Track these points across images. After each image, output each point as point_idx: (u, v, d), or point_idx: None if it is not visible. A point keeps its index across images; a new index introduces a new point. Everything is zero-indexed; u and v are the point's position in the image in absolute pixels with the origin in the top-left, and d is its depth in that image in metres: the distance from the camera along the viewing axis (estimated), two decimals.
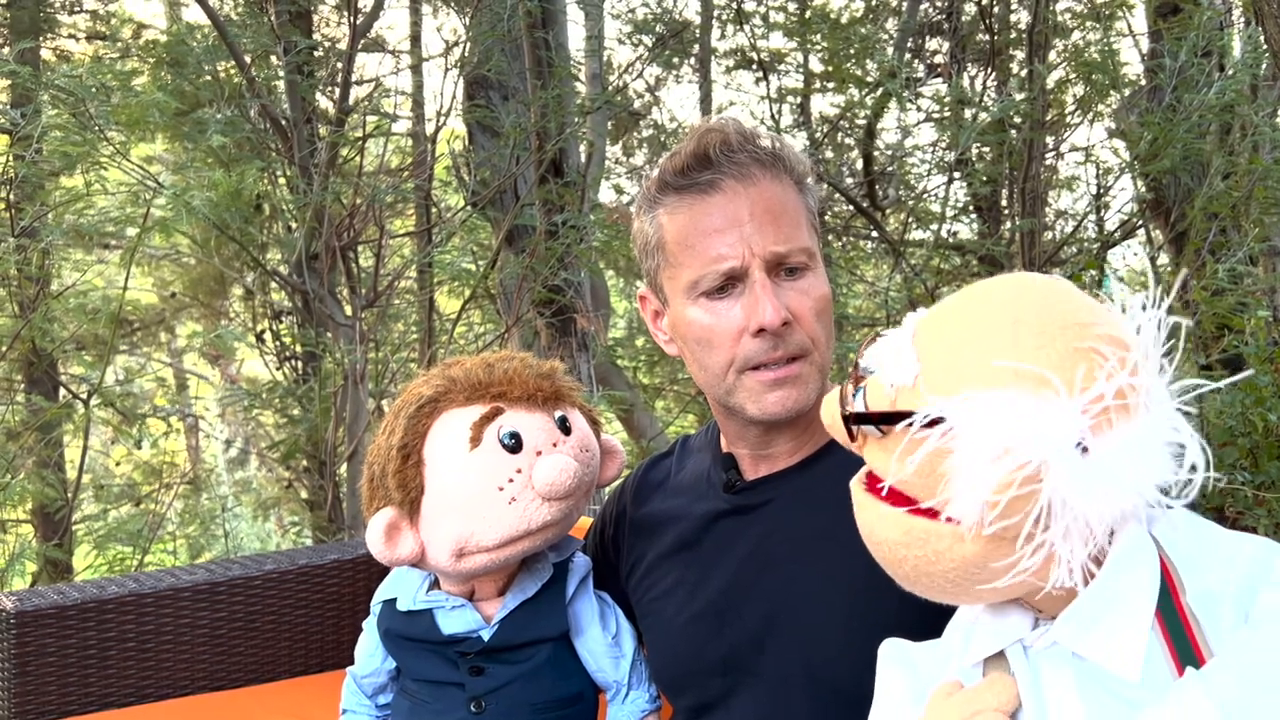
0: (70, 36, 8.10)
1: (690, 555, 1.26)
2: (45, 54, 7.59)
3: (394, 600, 1.27)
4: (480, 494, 1.13)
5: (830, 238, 5.80)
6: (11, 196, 3.38)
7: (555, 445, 1.16)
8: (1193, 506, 0.74)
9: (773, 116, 5.19)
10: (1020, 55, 5.84)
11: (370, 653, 1.32)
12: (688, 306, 1.16)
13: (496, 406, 1.16)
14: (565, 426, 1.19)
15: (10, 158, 3.29)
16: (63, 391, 4.90)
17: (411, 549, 1.17)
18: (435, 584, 1.27)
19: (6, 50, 6.72)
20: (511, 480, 1.13)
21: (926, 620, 1.04)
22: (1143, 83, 4.40)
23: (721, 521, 1.23)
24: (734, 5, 5.25)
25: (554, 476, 1.13)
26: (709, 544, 1.24)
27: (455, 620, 1.23)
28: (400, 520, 1.17)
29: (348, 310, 3.76)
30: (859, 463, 1.13)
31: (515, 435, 1.14)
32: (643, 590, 1.32)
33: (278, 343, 5.33)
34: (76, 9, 8.11)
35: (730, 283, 1.12)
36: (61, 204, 3.60)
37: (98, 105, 3.28)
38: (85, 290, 4.03)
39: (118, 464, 6.79)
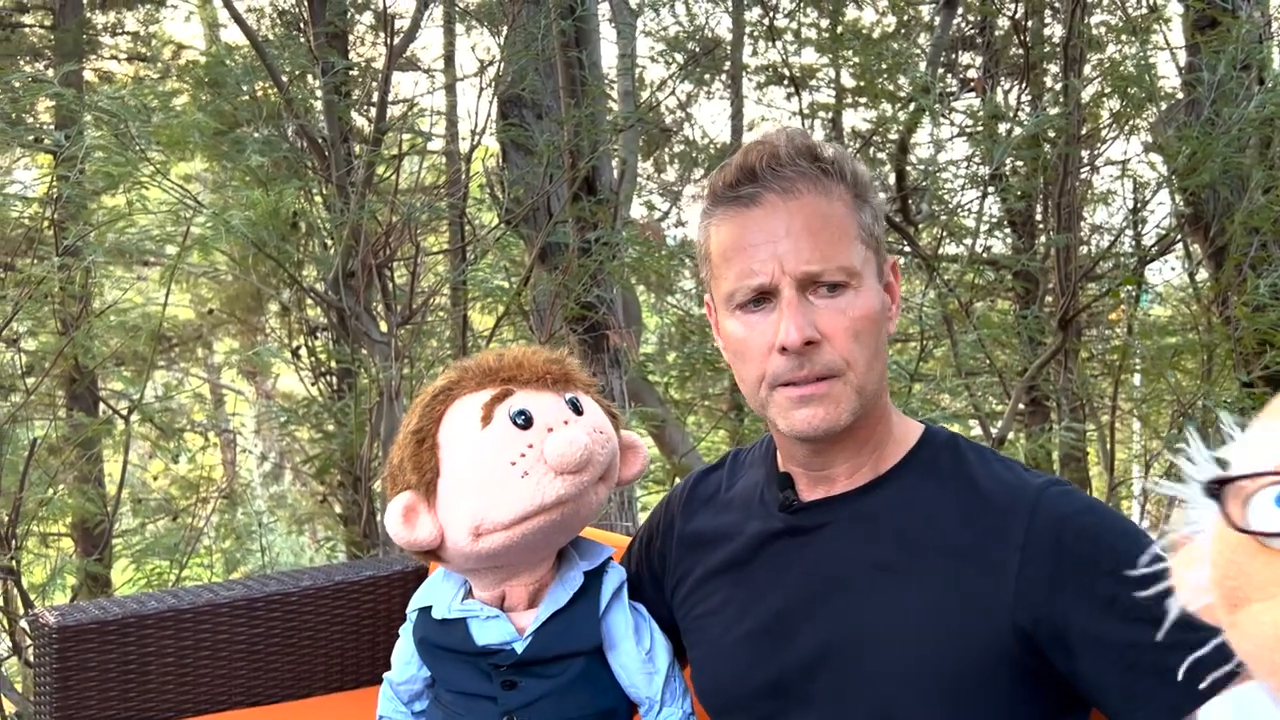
0: (112, 58, 8.26)
1: (741, 574, 1.24)
2: (88, 75, 7.74)
3: (429, 608, 1.27)
4: (493, 470, 1.14)
5: None
6: (56, 216, 3.44)
7: (566, 423, 1.17)
8: None
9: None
10: (1055, 69, 5.81)
11: (406, 660, 1.33)
12: (726, 318, 1.17)
13: (507, 388, 1.18)
14: (576, 407, 1.20)
15: (55, 178, 3.35)
16: (103, 407, 4.97)
17: (430, 531, 1.18)
18: (469, 593, 1.27)
19: (51, 72, 6.85)
20: (524, 455, 1.14)
21: (978, 660, 1.05)
22: (1180, 96, 4.35)
23: (775, 542, 1.22)
24: (765, 22, 5.26)
25: (565, 448, 1.13)
26: (761, 564, 1.22)
27: (489, 631, 1.22)
28: (417, 503, 1.19)
29: (383, 327, 3.79)
30: (923, 494, 1.14)
31: (525, 413, 1.15)
32: (689, 606, 1.30)
33: (313, 359, 5.38)
34: (119, 31, 8.27)
35: (764, 297, 1.12)
36: (104, 223, 3.67)
37: (139, 126, 3.34)
38: (126, 308, 4.09)
39: (155, 478, 6.87)
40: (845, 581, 1.14)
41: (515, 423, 1.15)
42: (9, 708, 3.13)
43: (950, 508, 1.11)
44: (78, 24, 6.99)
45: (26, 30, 7.84)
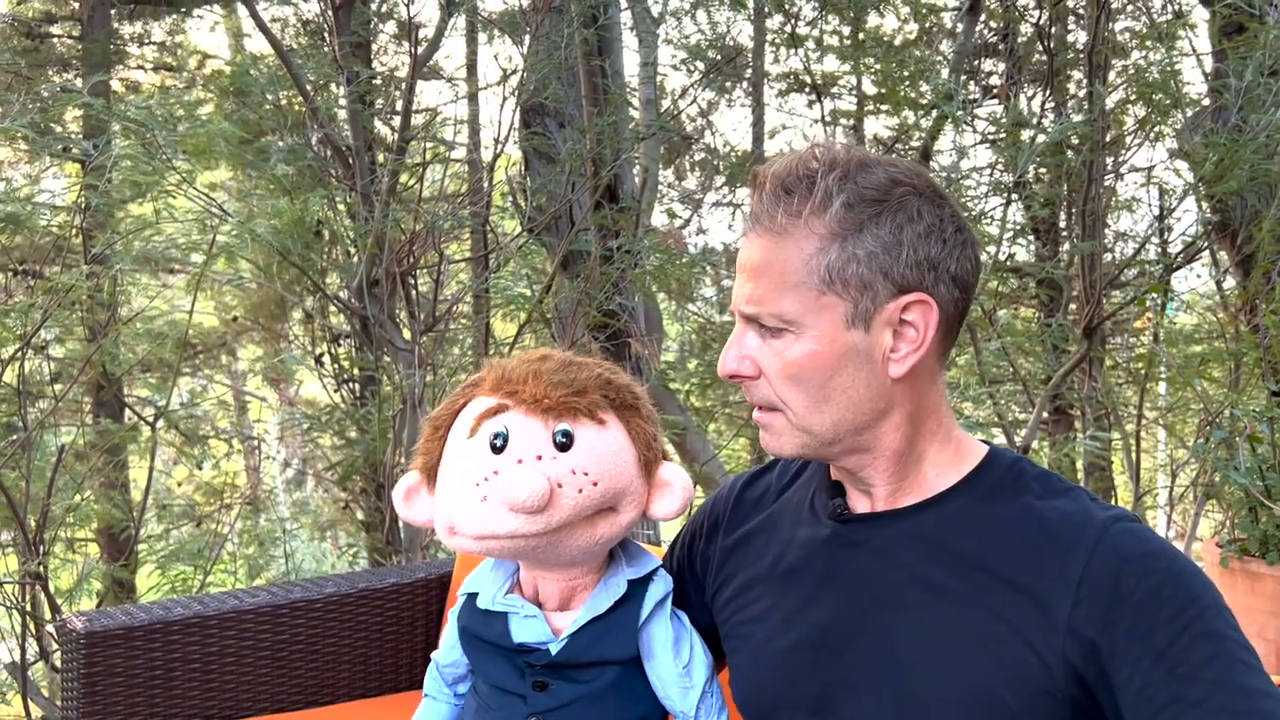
0: (139, 67, 8.35)
1: (787, 582, 1.23)
2: (115, 84, 7.83)
3: (476, 595, 1.28)
4: (462, 485, 1.15)
5: None
6: (84, 224, 3.48)
7: (539, 459, 1.13)
8: None
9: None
10: (1079, 76, 5.78)
11: (451, 644, 1.32)
12: None
13: (503, 404, 1.17)
14: (562, 442, 1.15)
15: (83, 187, 3.39)
16: (129, 414, 5.01)
17: (425, 513, 1.22)
18: (515, 587, 1.27)
19: (80, 82, 6.94)
20: (486, 479, 1.13)
21: (1025, 693, 1.03)
22: (1206, 103, 4.32)
23: (824, 551, 1.20)
24: (786, 29, 5.26)
25: (512, 489, 1.10)
26: (809, 573, 1.21)
27: (527, 629, 1.22)
28: (420, 484, 1.22)
29: (406, 334, 3.81)
30: (980, 518, 1.12)
31: (503, 436, 1.14)
32: (731, 611, 1.29)
33: (336, 366, 5.42)
34: (145, 41, 8.36)
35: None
36: (131, 231, 3.70)
37: (165, 135, 3.38)
38: (152, 315, 4.12)
39: (179, 484, 6.92)
40: (894, 600, 1.12)
41: (493, 444, 1.14)
42: (35, 712, 3.15)
43: (1007, 535, 1.09)
44: (105, 34, 7.08)
45: (55, 41, 7.94)
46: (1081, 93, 4.72)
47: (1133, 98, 4.47)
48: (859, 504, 1.20)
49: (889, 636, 1.12)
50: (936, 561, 1.12)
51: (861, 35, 5.69)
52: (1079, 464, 5.30)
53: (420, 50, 4.02)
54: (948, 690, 1.07)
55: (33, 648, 3.18)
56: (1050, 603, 1.03)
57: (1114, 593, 1.01)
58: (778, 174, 1.11)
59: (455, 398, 1.24)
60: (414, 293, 3.87)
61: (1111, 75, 4.62)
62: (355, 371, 5.28)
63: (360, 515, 5.60)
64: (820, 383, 1.10)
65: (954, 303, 1.12)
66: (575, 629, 1.21)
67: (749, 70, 6.04)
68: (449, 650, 1.33)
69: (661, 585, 1.26)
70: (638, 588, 1.24)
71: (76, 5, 7.70)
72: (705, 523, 1.39)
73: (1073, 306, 4.91)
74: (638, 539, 1.38)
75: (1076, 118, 4.15)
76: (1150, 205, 4.67)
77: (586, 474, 1.15)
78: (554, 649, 1.20)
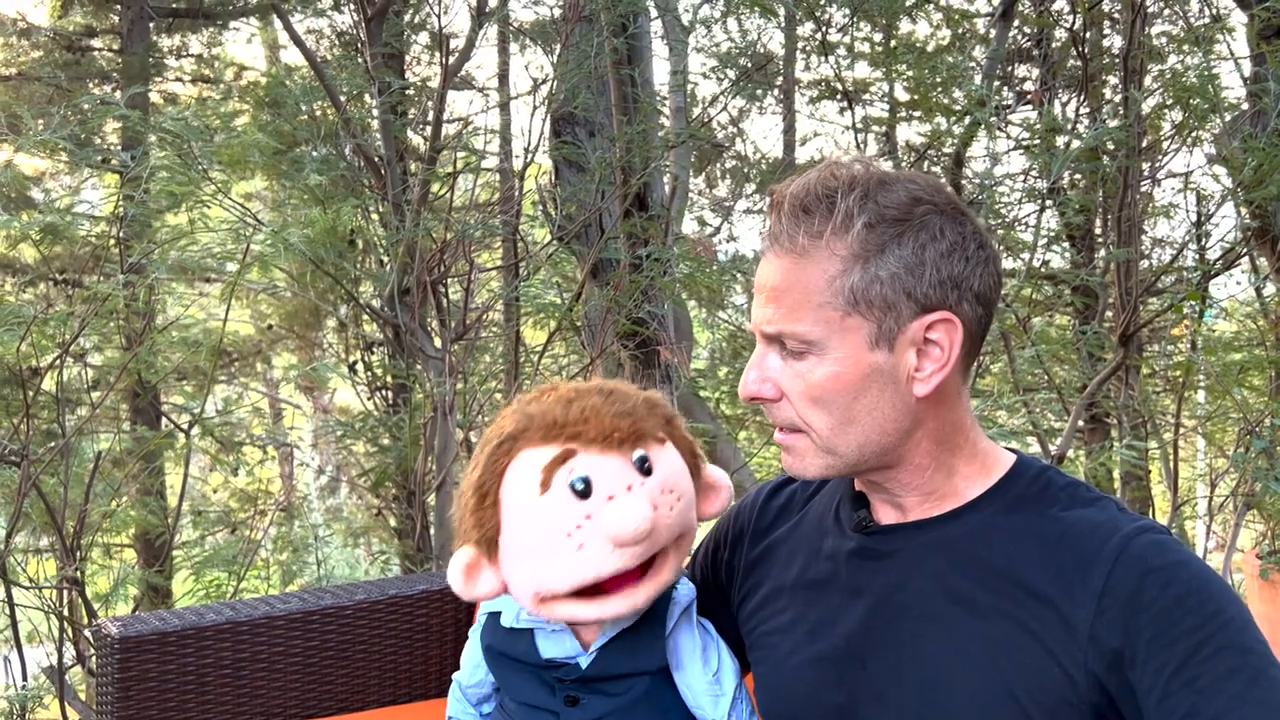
0: (177, 80, 8.49)
1: (812, 594, 1.23)
2: (154, 96, 7.96)
3: (499, 614, 1.26)
4: (548, 541, 1.10)
5: None
6: (121, 234, 3.54)
7: (630, 489, 1.11)
8: None
9: (858, 146, 5.16)
10: (1114, 81, 5.71)
11: (476, 663, 1.31)
12: None
13: (569, 449, 1.12)
14: (645, 467, 1.14)
15: (121, 197, 3.44)
16: (165, 421, 5.08)
17: (492, 586, 1.16)
18: None
19: (118, 94, 7.06)
20: (580, 527, 1.09)
21: (1050, 703, 1.03)
22: (1244, 107, 4.25)
23: (849, 563, 1.20)
24: (818, 37, 5.25)
25: (622, 524, 1.08)
26: (834, 585, 1.20)
27: (554, 645, 1.21)
28: (479, 559, 1.16)
29: (437, 342, 3.83)
30: (1005, 529, 1.11)
31: (586, 480, 1.10)
32: (756, 621, 1.29)
33: (369, 374, 5.46)
34: (183, 54, 8.49)
35: None
36: (167, 241, 3.76)
37: (201, 146, 3.42)
38: (188, 324, 4.18)
39: (215, 491, 7.01)
40: (918, 611, 1.12)
41: (574, 489, 1.10)
42: (73, 716, 3.20)
43: (1032, 545, 1.08)
44: (144, 48, 7.20)
45: (96, 54, 8.08)
46: (1117, 98, 4.66)
47: (1169, 102, 4.42)
48: (885, 515, 1.20)
49: (913, 648, 1.11)
50: (961, 572, 1.11)
51: (894, 42, 5.67)
52: (1115, 473, 5.23)
53: (451, 61, 4.05)
54: (970, 701, 1.06)
55: (70, 653, 3.22)
56: (1073, 613, 1.03)
57: (1137, 602, 1.01)
58: (796, 194, 1.11)
59: (494, 459, 1.17)
60: (445, 301, 3.90)
61: (1148, 80, 4.57)
62: (388, 379, 5.32)
63: (393, 522, 5.63)
64: (845, 404, 1.10)
65: (977, 320, 1.11)
66: (604, 641, 1.20)
67: (780, 78, 6.03)
68: (473, 670, 1.32)
69: (686, 593, 1.26)
70: (663, 596, 1.23)
71: (116, 19, 7.84)
72: (729, 533, 1.39)
73: (1109, 314, 4.85)
74: None
75: (1112, 123, 4.10)
76: (1188, 211, 4.61)
77: (672, 491, 1.15)
78: (583, 663, 1.20)
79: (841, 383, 1.09)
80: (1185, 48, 4.68)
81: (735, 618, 1.33)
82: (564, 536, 1.10)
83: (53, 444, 3.30)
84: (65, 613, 3.20)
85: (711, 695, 1.23)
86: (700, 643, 1.24)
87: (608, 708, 1.19)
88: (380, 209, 4.05)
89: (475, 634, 1.32)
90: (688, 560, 1.45)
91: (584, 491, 1.10)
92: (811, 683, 1.18)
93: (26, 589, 3.20)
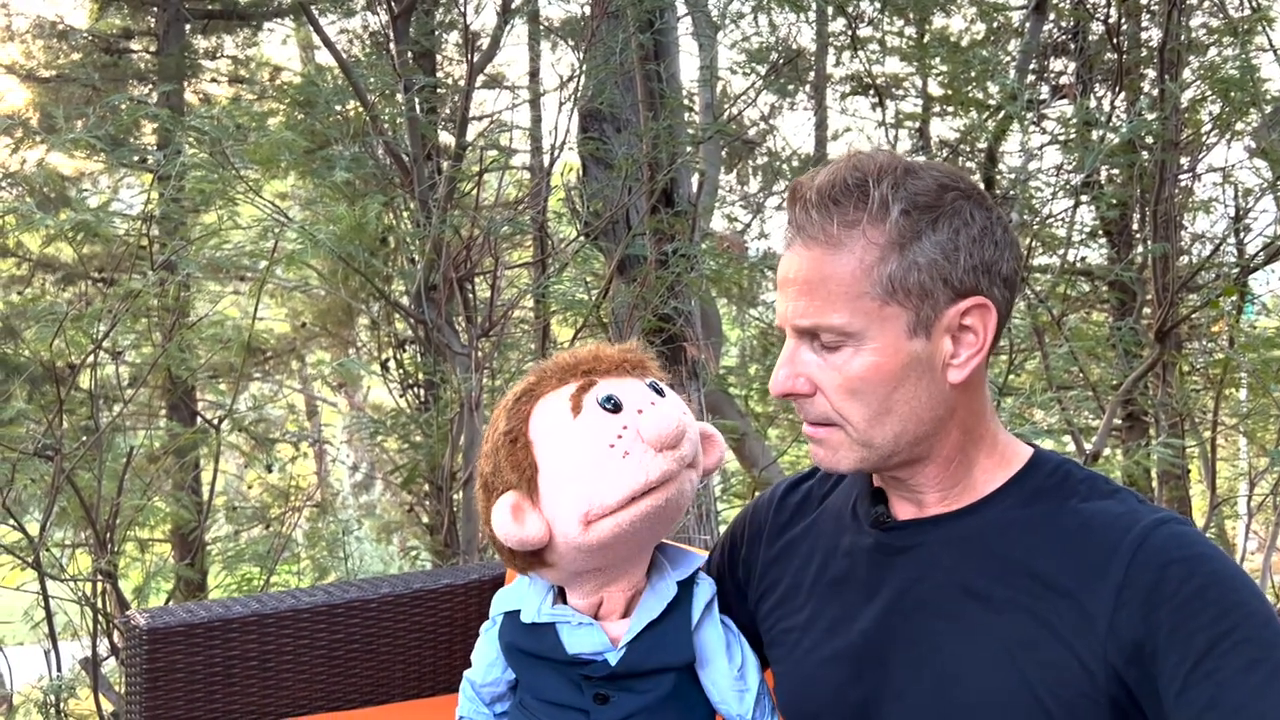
0: (213, 80, 8.59)
1: (830, 591, 1.22)
2: (190, 97, 8.07)
3: (517, 612, 1.25)
4: (593, 455, 1.12)
5: None
6: (154, 232, 3.58)
7: (654, 404, 1.16)
8: None
9: (890, 142, 5.12)
10: (1151, 74, 5.63)
11: (490, 662, 1.30)
12: None
13: (589, 379, 1.18)
14: (659, 390, 1.19)
15: (155, 195, 3.49)
16: (199, 418, 5.14)
17: (539, 527, 1.15)
18: (560, 597, 1.25)
19: (154, 95, 7.16)
20: (620, 436, 1.12)
21: (1070, 697, 1.01)
22: None
23: (867, 560, 1.19)
24: (849, 31, 5.21)
25: (661, 424, 1.13)
26: (852, 582, 1.20)
27: (581, 639, 1.20)
28: (522, 500, 1.16)
29: (464, 339, 3.84)
30: (1022, 522, 1.10)
31: (613, 398, 1.15)
32: (775, 619, 1.28)
33: (400, 371, 5.50)
34: (218, 54, 8.59)
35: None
36: (198, 238, 3.80)
37: (232, 145, 3.46)
38: (219, 320, 4.23)
39: (250, 487, 7.08)
40: (935, 607, 1.11)
41: (605, 408, 1.14)
42: (107, 707, 3.24)
43: (1049, 538, 1.08)
44: (180, 49, 7.29)
45: (133, 56, 8.20)
46: (1155, 91, 4.59)
47: (1208, 95, 4.34)
48: (903, 510, 1.19)
49: (932, 643, 1.11)
50: (978, 567, 1.10)
51: (926, 36, 5.62)
52: (1153, 472, 5.15)
53: (476, 58, 4.06)
54: (988, 696, 1.05)
55: (104, 645, 3.27)
56: (1092, 605, 1.02)
57: (1157, 595, 0.99)
58: (824, 185, 1.09)
59: (516, 409, 1.20)
60: (471, 298, 3.91)
61: (1186, 73, 4.49)
62: (419, 376, 5.35)
63: (424, 518, 5.67)
64: (883, 395, 1.09)
65: (1006, 304, 1.12)
66: (632, 636, 1.19)
67: (811, 73, 5.99)
68: (487, 669, 1.31)
69: (706, 587, 1.25)
70: (685, 589, 1.23)
71: (153, 21, 7.95)
72: (747, 529, 1.38)
73: (1146, 310, 4.78)
74: (695, 542, 1.37)
75: (1149, 116, 4.04)
76: (1227, 206, 4.54)
77: (685, 413, 1.20)
78: (613, 659, 1.19)
79: (881, 373, 1.08)
80: (1224, 40, 4.60)
81: (754, 615, 1.33)
82: (607, 448, 1.12)
83: (85, 439, 3.35)
84: (99, 605, 3.25)
85: (736, 691, 1.23)
86: (725, 639, 1.24)
87: (637, 705, 1.18)
88: (410, 207, 4.08)
89: (488, 632, 1.32)
90: (706, 558, 1.44)
91: (615, 407, 1.14)
92: (831, 679, 1.18)
93: (61, 581, 3.25)
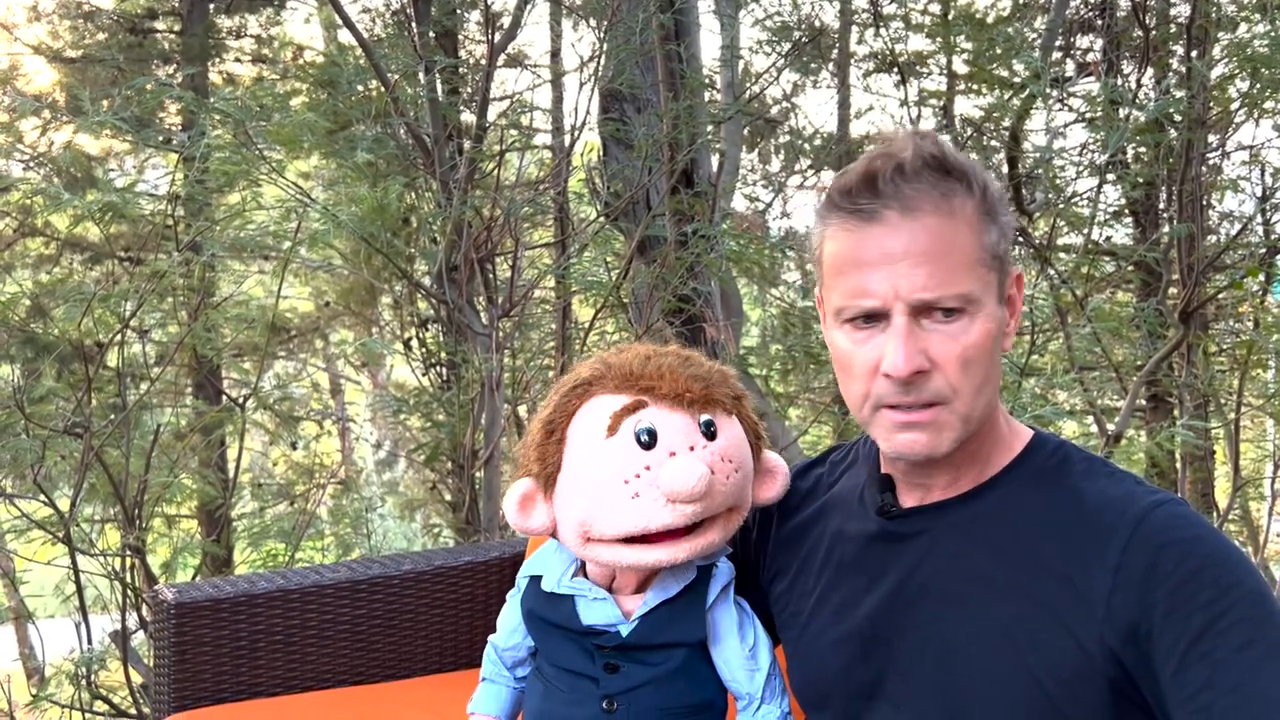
0: (236, 60, 8.62)
1: (839, 575, 1.24)
2: (214, 77, 8.10)
3: (539, 578, 1.28)
4: (606, 485, 1.13)
5: None
6: (179, 212, 3.62)
7: (693, 449, 1.14)
8: None
9: (912, 120, 5.08)
10: (1179, 50, 5.55)
11: (513, 628, 1.34)
12: (834, 330, 1.13)
13: (640, 400, 1.15)
14: (709, 431, 1.16)
15: (179, 176, 3.52)
16: (225, 396, 5.20)
17: (543, 521, 1.19)
18: (581, 570, 1.27)
19: (178, 76, 7.19)
20: (638, 475, 1.12)
21: (1069, 678, 1.03)
22: None
23: (874, 545, 1.21)
24: (873, 8, 5.17)
25: (679, 479, 1.10)
26: (859, 566, 1.22)
27: (596, 611, 1.23)
28: (535, 492, 1.19)
29: (484, 319, 3.87)
30: (1023, 505, 1.12)
31: (651, 432, 1.13)
32: (785, 601, 1.31)
33: (423, 350, 5.53)
34: (242, 34, 8.62)
35: (873, 318, 1.08)
36: (223, 219, 3.83)
37: (255, 126, 3.48)
38: (244, 300, 4.27)
39: (275, 464, 7.16)
40: (939, 591, 1.13)
41: (639, 439, 1.13)
42: (136, 678, 3.31)
43: (1048, 520, 1.08)
44: (203, 29, 7.31)
45: (158, 36, 8.24)
46: (1182, 68, 4.52)
47: (1237, 72, 4.28)
48: (908, 498, 1.20)
49: (935, 626, 1.12)
50: (979, 552, 1.12)
51: (951, 13, 5.56)
52: (1177, 453, 5.12)
53: (498, 38, 4.06)
54: (990, 678, 1.07)
55: (134, 618, 3.33)
56: (1089, 587, 1.03)
57: (1153, 576, 1.00)
58: (918, 155, 1.07)
59: (566, 400, 1.20)
60: (492, 278, 3.93)
61: (1215, 50, 4.42)
62: (442, 355, 5.39)
63: (447, 495, 5.72)
64: (986, 365, 1.09)
65: None
66: (645, 610, 1.22)
67: (834, 51, 5.95)
68: (510, 633, 1.35)
69: (726, 571, 1.27)
70: (704, 572, 1.25)
71: (177, 2, 7.98)
72: (758, 514, 1.40)
73: (1172, 291, 4.73)
74: None
75: (1177, 94, 3.99)
76: (1254, 185, 4.48)
77: (731, 461, 1.17)
78: (624, 631, 1.21)
79: (989, 341, 1.08)
80: (1254, 16, 4.52)
81: (766, 596, 1.35)
82: (621, 483, 1.12)
83: (113, 417, 3.40)
84: (128, 580, 3.31)
85: (748, 670, 1.25)
86: (738, 619, 1.26)
87: (646, 676, 1.21)
88: (431, 188, 4.09)
89: (514, 597, 1.35)
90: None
91: (649, 443, 1.13)
92: (839, 660, 1.20)
93: (91, 556, 3.31)
